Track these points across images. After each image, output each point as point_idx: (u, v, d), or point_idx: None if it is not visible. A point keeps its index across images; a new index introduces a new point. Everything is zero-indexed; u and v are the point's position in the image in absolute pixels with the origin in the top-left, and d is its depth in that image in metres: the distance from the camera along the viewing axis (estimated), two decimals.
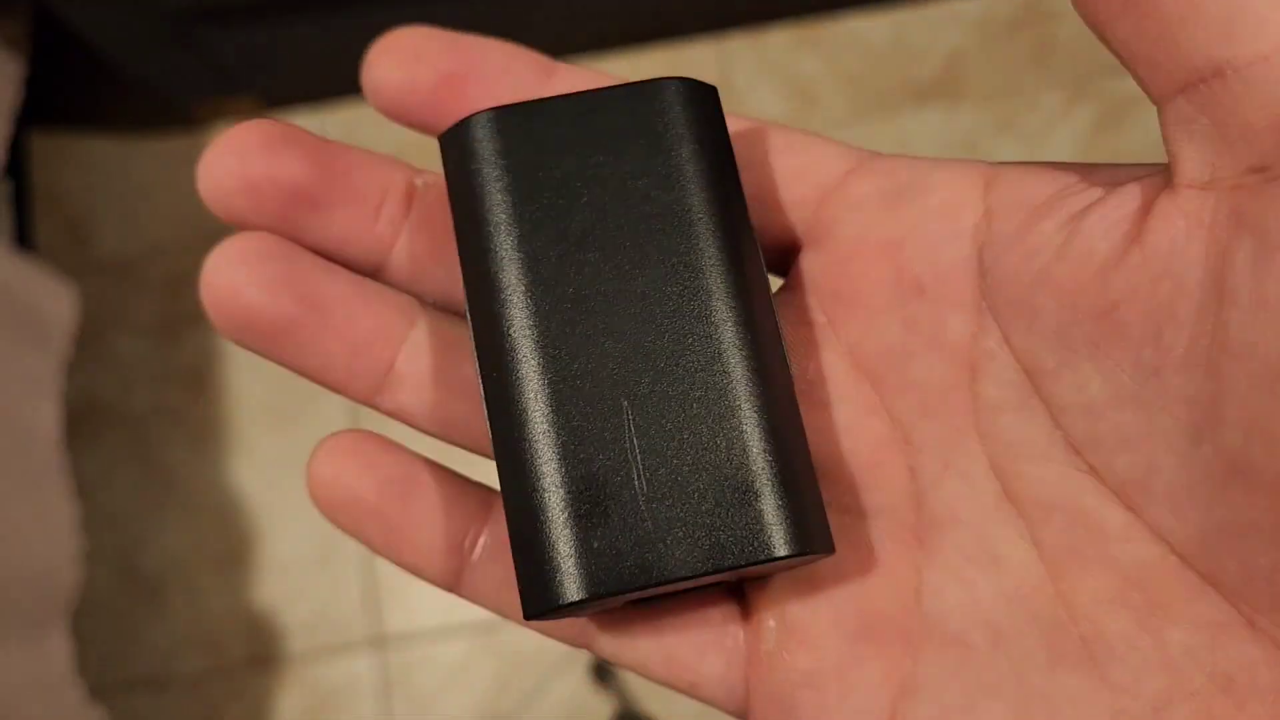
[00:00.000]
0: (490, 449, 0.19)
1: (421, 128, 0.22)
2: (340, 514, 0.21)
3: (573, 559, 0.18)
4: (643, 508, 0.18)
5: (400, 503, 0.20)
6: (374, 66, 0.21)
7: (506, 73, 0.21)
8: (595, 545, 0.18)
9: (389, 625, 0.98)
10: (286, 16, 0.96)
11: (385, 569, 0.97)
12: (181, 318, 1.01)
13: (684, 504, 0.18)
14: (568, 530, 0.18)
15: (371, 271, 0.21)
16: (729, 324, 0.18)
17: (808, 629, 0.18)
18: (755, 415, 0.18)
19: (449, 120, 0.21)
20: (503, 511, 0.19)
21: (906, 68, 1.10)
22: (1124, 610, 0.17)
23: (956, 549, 0.18)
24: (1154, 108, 0.16)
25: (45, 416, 0.80)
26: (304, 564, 0.96)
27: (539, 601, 0.18)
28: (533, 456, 0.18)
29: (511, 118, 0.19)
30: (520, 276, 0.19)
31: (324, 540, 0.95)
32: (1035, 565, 0.18)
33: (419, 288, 0.22)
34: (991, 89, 1.09)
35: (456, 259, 0.21)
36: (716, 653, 0.19)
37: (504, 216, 0.19)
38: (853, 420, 0.19)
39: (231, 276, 0.20)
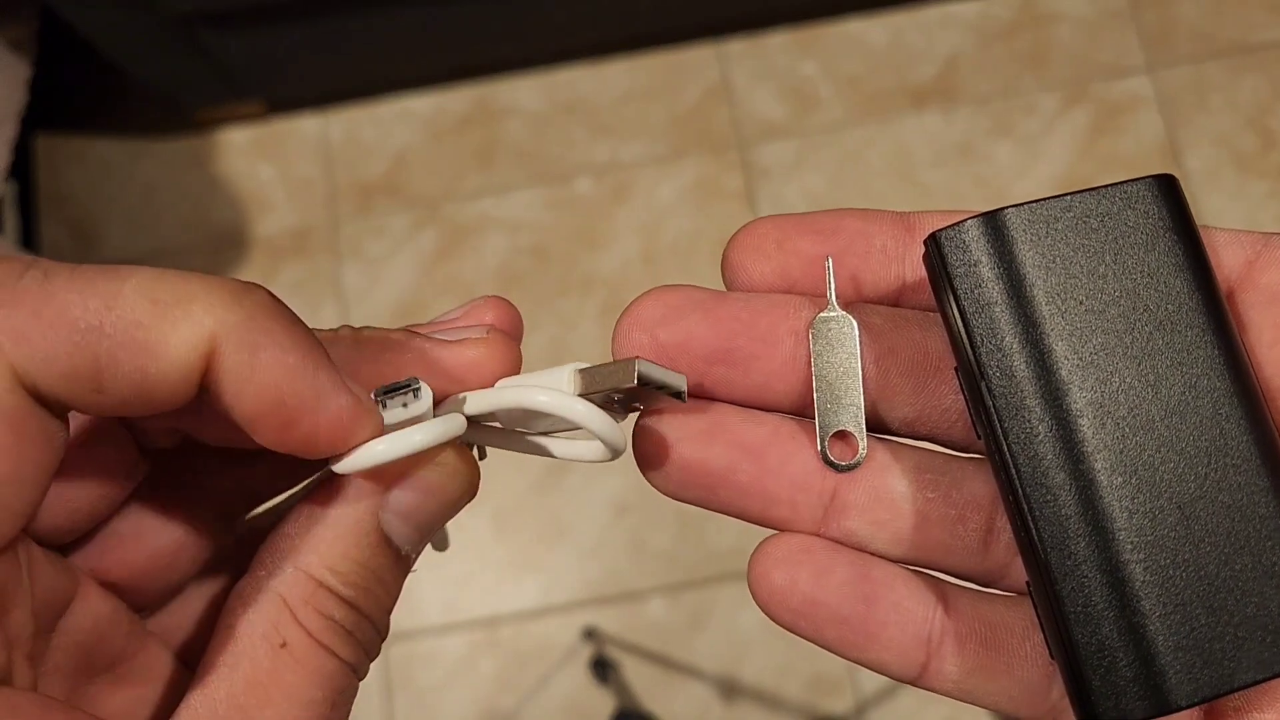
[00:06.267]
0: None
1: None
2: (799, 620, 0.21)
3: (1150, 670, 0.18)
4: (1210, 615, 0.18)
5: (864, 606, 0.21)
6: (738, 253, 0.22)
7: (870, 236, 0.22)
8: (1170, 657, 0.18)
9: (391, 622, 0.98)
10: (289, 21, 0.97)
11: None
12: None
13: (1245, 607, 0.18)
14: (1141, 643, 0.18)
15: (796, 409, 0.22)
16: (1249, 425, 0.19)
17: (1272, 691, 0.20)
18: None
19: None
20: (960, 600, 0.21)
21: (904, 70, 1.11)
22: None
23: None
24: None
25: None
26: None
27: (1113, 711, 0.18)
28: (1097, 565, 0.18)
29: (1004, 221, 0.20)
30: (1056, 374, 0.19)
31: None
32: None
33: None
34: (988, 91, 1.09)
35: (907, 376, 0.21)
36: (1190, 711, 0.21)
37: (1029, 316, 0.19)
38: None
39: (670, 448, 0.21)
